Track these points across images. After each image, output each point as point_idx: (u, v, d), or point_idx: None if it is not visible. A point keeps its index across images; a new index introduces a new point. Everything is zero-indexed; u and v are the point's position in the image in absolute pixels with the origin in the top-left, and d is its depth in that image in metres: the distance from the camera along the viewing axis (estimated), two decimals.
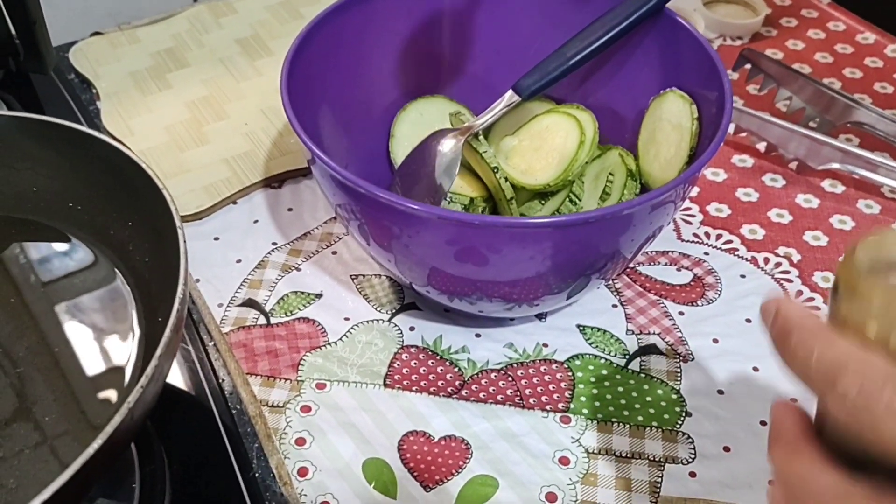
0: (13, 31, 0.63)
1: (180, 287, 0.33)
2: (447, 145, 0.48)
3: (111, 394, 0.38)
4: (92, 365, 0.39)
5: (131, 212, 0.41)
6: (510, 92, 0.48)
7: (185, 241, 0.35)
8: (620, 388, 0.45)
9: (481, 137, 0.48)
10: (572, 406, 0.44)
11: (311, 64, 0.46)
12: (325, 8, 0.48)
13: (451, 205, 0.49)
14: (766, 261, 0.52)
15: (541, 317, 0.49)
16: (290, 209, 0.55)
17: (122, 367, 0.38)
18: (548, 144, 0.49)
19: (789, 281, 0.51)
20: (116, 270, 0.42)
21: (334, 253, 0.52)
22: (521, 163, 0.50)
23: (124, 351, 0.39)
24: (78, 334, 0.40)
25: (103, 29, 0.69)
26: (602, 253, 0.41)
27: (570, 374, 0.46)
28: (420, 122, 0.53)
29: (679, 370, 0.46)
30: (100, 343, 0.40)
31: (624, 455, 0.42)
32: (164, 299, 0.37)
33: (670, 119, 0.46)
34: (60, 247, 0.43)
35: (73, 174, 0.42)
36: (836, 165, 0.56)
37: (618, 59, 0.50)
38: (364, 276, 0.51)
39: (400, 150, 0.53)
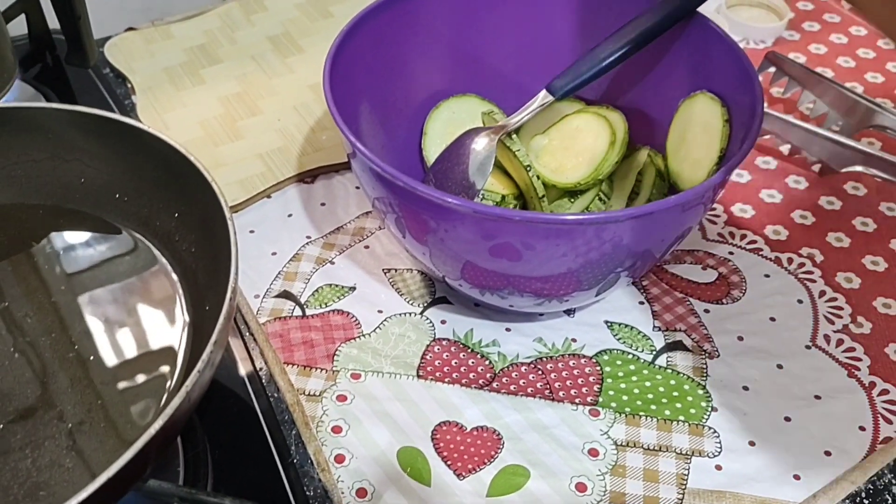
0: (50, 26, 0.64)
1: (232, 277, 0.35)
2: (481, 143, 0.49)
3: (164, 379, 0.39)
4: (143, 351, 0.40)
5: (178, 203, 0.42)
6: (544, 92, 0.49)
7: (235, 233, 0.36)
8: (648, 383, 0.46)
9: (514, 136, 0.49)
10: (601, 400, 0.45)
11: (350, 62, 0.48)
12: (365, 7, 0.49)
13: (483, 202, 0.50)
14: (790, 261, 0.53)
15: (569, 312, 0.50)
16: (322, 204, 0.56)
17: (173, 354, 0.39)
18: (578, 144, 0.50)
19: (812, 281, 0.52)
20: (164, 260, 0.43)
21: (367, 247, 0.53)
22: (552, 161, 0.51)
23: (175, 338, 0.40)
24: (128, 322, 0.42)
25: (136, 24, 0.70)
26: (633, 251, 0.42)
27: (598, 368, 0.47)
28: (452, 120, 0.54)
29: (705, 366, 0.47)
30: (150, 330, 0.41)
31: (652, 448, 0.43)
32: (212, 288, 0.38)
33: (700, 121, 0.47)
34: (107, 237, 0.45)
35: (120, 166, 0.44)
36: (858, 168, 0.57)
37: (648, 61, 0.51)
38: (396, 269, 0.52)
39: (432, 147, 0.54)
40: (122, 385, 0.39)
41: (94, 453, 0.36)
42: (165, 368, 0.39)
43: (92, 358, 0.40)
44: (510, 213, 0.39)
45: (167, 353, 0.40)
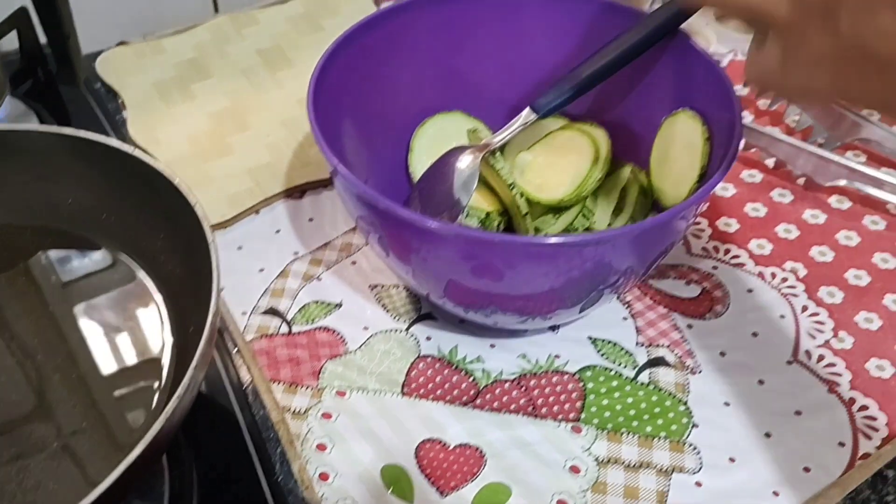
0: (41, 42, 0.65)
1: (213, 301, 0.35)
2: (465, 161, 0.49)
3: (148, 401, 0.39)
4: (126, 372, 0.41)
5: (163, 224, 0.43)
6: (528, 109, 0.49)
7: (216, 255, 0.37)
8: (630, 400, 0.47)
9: (498, 154, 0.50)
10: (583, 416, 0.46)
11: (336, 80, 0.48)
12: (352, 25, 0.49)
13: (468, 219, 0.51)
14: (773, 275, 0.53)
15: (553, 329, 0.50)
16: (310, 219, 0.56)
17: (159, 374, 0.40)
18: (563, 160, 0.51)
19: (795, 296, 0.52)
20: (149, 281, 0.44)
21: (353, 263, 0.54)
22: (536, 178, 0.51)
23: (160, 359, 0.41)
24: (110, 343, 0.42)
25: (128, 37, 0.70)
26: (615, 270, 0.42)
27: (581, 385, 0.47)
28: (438, 136, 0.54)
29: (687, 382, 0.48)
30: (133, 351, 0.42)
31: (633, 464, 0.44)
32: (195, 309, 0.39)
33: (682, 139, 0.48)
34: (94, 257, 0.45)
35: (106, 187, 0.44)
36: (843, 182, 0.57)
37: (632, 79, 0.52)
38: (382, 286, 0.52)
39: (418, 163, 0.54)
40: (109, 405, 0.39)
41: (80, 476, 0.36)
42: (152, 388, 0.39)
43: (76, 377, 0.40)
44: (490, 235, 0.40)
45: (152, 374, 0.40)
